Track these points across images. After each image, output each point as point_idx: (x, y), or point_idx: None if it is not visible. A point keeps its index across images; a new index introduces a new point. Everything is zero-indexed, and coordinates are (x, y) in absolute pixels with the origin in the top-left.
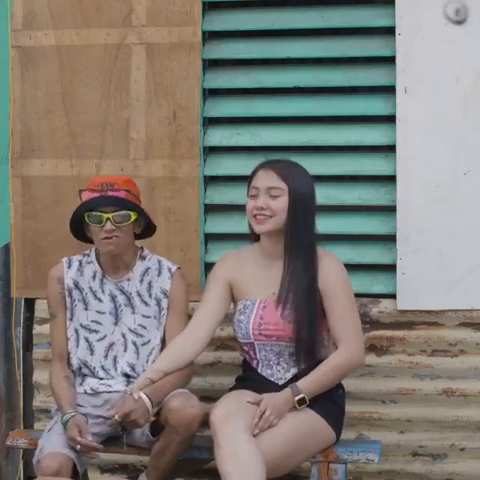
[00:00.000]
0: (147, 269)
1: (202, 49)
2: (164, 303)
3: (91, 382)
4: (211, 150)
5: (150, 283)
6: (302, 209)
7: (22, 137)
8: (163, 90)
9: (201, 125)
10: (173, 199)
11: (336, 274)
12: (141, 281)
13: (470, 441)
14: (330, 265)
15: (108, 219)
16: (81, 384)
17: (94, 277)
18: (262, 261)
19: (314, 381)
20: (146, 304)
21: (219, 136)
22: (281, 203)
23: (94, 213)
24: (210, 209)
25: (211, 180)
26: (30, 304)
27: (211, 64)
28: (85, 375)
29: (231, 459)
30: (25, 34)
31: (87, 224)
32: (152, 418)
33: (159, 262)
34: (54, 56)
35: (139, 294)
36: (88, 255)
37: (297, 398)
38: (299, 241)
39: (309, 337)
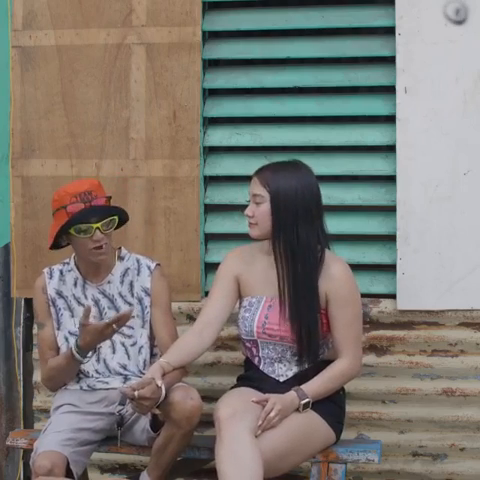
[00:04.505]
0: (126, 269)
1: (202, 49)
2: (146, 301)
3: (87, 380)
4: (211, 150)
5: (131, 283)
6: (285, 214)
7: (22, 137)
8: (163, 90)
9: (201, 125)
10: (173, 199)
11: (345, 283)
12: (122, 282)
13: (470, 441)
14: (339, 272)
15: (97, 229)
16: (77, 382)
17: (75, 284)
18: (269, 259)
19: (319, 386)
20: (130, 304)
21: (219, 136)
22: (263, 210)
23: (81, 226)
24: (210, 209)
25: (211, 180)
26: (30, 304)
27: (211, 64)
28: (81, 378)
29: (231, 459)
30: (25, 34)
31: (73, 236)
32: (157, 411)
33: (138, 261)
34: (54, 56)
35: (121, 295)
36: (68, 263)
37: (303, 402)
38: (287, 245)
39: (312, 340)
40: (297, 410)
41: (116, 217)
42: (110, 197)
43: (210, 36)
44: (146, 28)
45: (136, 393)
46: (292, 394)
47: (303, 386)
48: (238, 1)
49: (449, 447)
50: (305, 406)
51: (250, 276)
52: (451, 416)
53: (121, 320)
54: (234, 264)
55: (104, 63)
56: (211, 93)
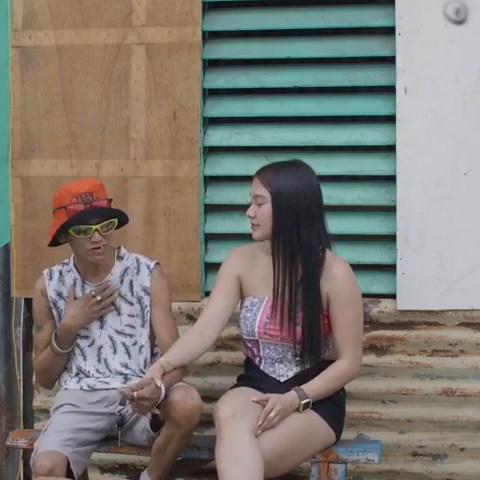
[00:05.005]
0: (126, 269)
1: (202, 49)
2: (146, 300)
3: (88, 380)
4: (211, 150)
5: (131, 282)
6: (287, 214)
7: (22, 137)
8: (163, 90)
9: (201, 125)
10: (173, 199)
11: (347, 283)
12: (121, 282)
13: (470, 441)
14: (341, 272)
15: (96, 230)
16: (78, 382)
17: (75, 284)
18: (270, 259)
19: (320, 386)
20: (130, 304)
21: (219, 136)
22: (264, 211)
23: (81, 226)
24: (210, 209)
25: (211, 180)
26: (30, 304)
27: (211, 64)
28: (81, 378)
29: (231, 459)
30: (25, 34)
31: (71, 236)
32: (157, 411)
33: (137, 260)
34: (54, 56)
35: (121, 295)
36: (67, 264)
37: (303, 402)
38: (286, 246)
39: (314, 341)
40: (297, 410)
41: (116, 219)
42: (111, 200)
43: (210, 36)
44: (146, 28)
45: (135, 394)
46: (292, 394)
47: (303, 386)
48: (238, 1)
49: (449, 447)
50: (305, 406)
51: (252, 276)
52: (451, 416)
53: (106, 295)
54: (236, 264)
55: (104, 63)
56: (211, 93)
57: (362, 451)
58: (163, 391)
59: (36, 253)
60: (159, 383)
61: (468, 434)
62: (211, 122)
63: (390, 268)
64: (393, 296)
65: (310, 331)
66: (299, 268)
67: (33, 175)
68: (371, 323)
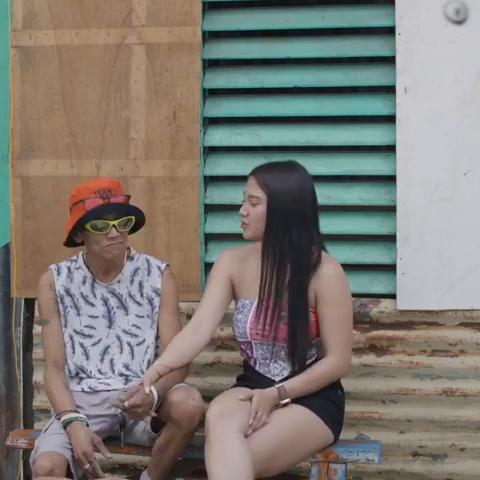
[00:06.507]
0: (136, 269)
1: (202, 49)
2: (156, 301)
3: (89, 381)
4: (211, 150)
5: (141, 283)
6: (280, 217)
7: (22, 137)
8: (163, 90)
9: (201, 125)
10: (173, 199)
11: (335, 282)
12: (131, 282)
13: (470, 441)
14: (330, 271)
15: (113, 226)
16: (79, 383)
17: (84, 282)
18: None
19: (301, 385)
20: (139, 304)
21: (219, 136)
22: (258, 212)
23: (98, 221)
24: (210, 209)
25: (211, 180)
26: (30, 304)
27: (211, 64)
28: (82, 378)
29: (220, 460)
30: (25, 34)
31: (88, 232)
32: (153, 413)
33: (147, 261)
34: (54, 56)
35: (130, 295)
36: (75, 261)
37: (283, 402)
38: (277, 248)
39: (298, 340)
40: (276, 406)
41: (133, 218)
42: (129, 196)
43: (210, 36)
44: (146, 28)
45: (126, 403)
46: (274, 392)
47: (286, 383)
48: (238, 1)
49: (449, 447)
50: (284, 405)
51: (242, 277)
52: (451, 416)
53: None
54: (227, 265)
55: (104, 63)
56: (211, 93)
57: (362, 451)
58: (155, 395)
59: (36, 253)
60: (147, 390)
61: (468, 434)
62: (211, 122)
63: (390, 268)
64: (393, 296)
65: (294, 331)
66: (287, 268)
67: (33, 175)
68: (371, 323)
